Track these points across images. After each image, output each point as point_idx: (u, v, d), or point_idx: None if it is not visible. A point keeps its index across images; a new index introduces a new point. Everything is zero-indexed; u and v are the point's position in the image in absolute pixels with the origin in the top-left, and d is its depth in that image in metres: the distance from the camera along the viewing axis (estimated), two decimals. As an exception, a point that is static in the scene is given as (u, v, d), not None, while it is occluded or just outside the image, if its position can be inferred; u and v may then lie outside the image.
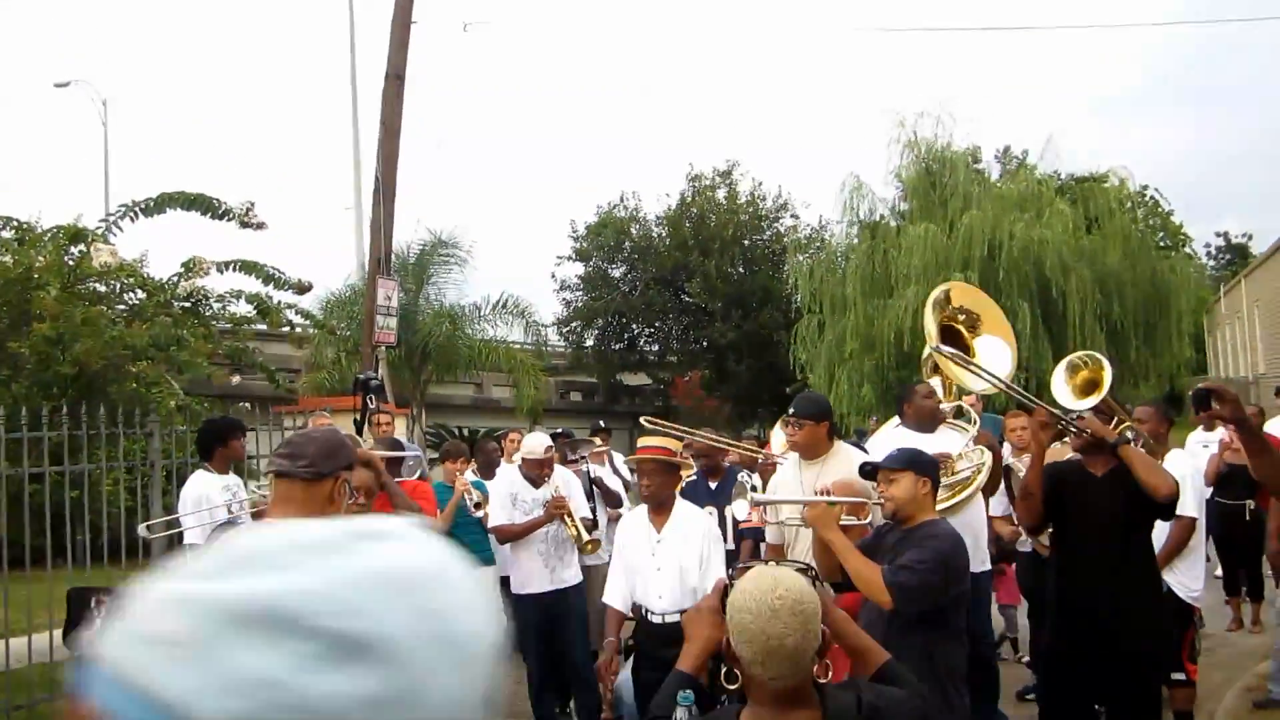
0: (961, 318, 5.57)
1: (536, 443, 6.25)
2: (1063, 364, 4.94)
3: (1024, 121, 71.53)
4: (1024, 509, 4.61)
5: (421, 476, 6.87)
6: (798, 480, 4.90)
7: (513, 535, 6.18)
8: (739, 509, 3.82)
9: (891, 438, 6.01)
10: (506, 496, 6.19)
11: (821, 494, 4.30)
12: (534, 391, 19.84)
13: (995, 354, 5.65)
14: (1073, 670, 4.36)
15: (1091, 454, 4.54)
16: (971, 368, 5.20)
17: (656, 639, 4.84)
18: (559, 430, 9.92)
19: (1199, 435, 9.64)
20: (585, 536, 5.93)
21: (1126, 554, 4.37)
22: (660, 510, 4.96)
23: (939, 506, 4.26)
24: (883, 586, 3.57)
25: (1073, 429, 4.57)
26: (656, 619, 4.84)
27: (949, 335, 5.54)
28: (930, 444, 5.46)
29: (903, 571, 3.59)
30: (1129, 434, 4.95)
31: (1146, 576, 4.48)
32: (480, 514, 6.76)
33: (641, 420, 6.77)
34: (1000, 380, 5.34)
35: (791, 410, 5.18)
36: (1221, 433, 9.98)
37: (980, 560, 5.30)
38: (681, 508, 5.02)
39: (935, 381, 5.87)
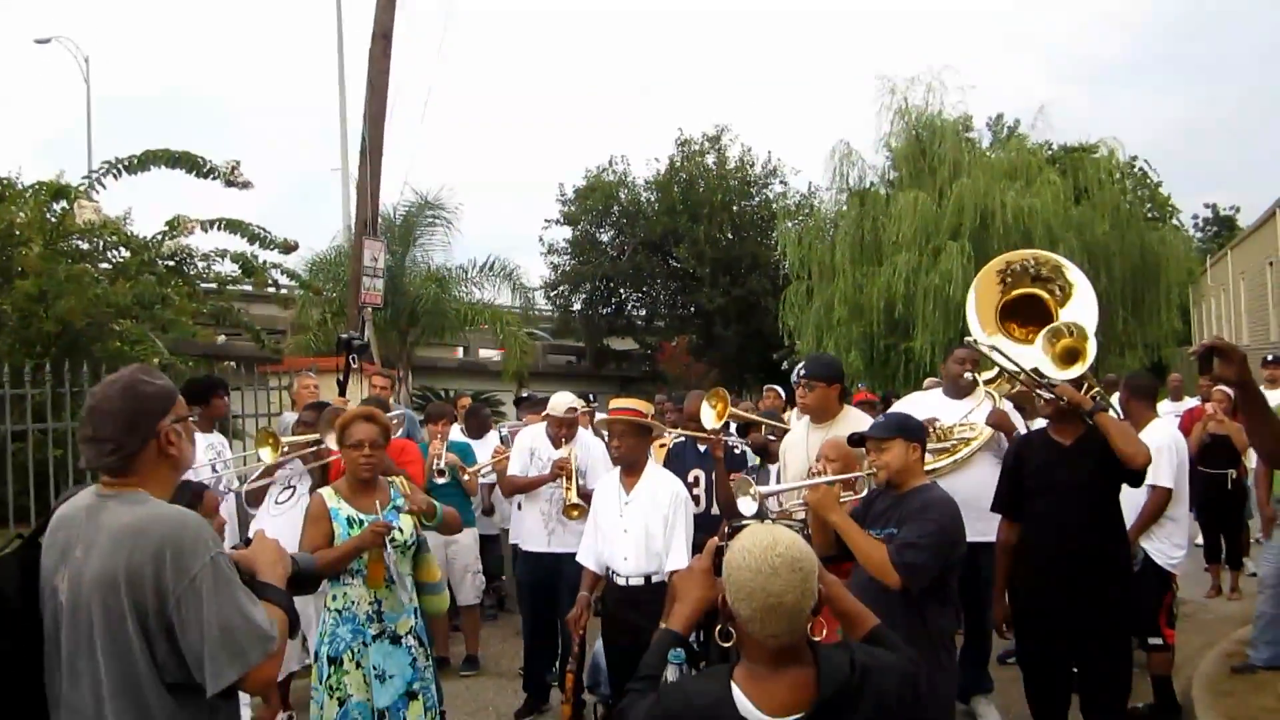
0: (1059, 291, 5.31)
1: (561, 401, 6.29)
2: (1044, 331, 4.87)
3: (1016, 90, 71.41)
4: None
5: (410, 436, 6.84)
6: (806, 444, 4.89)
7: (516, 488, 6.28)
8: (744, 505, 3.80)
9: (921, 401, 6.04)
10: (526, 450, 6.26)
11: (816, 466, 4.30)
12: (521, 355, 19.81)
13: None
14: (1046, 636, 4.42)
15: (1061, 422, 4.57)
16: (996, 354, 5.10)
17: (622, 601, 4.89)
18: (525, 395, 9.97)
19: (1166, 405, 9.72)
20: (573, 500, 5.91)
21: (1095, 521, 4.43)
22: (631, 472, 4.96)
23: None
24: (890, 566, 3.58)
25: (1045, 396, 4.58)
26: (621, 581, 4.87)
27: (1032, 304, 5.30)
28: (922, 409, 5.48)
29: (908, 550, 3.59)
30: (1103, 401, 4.96)
31: (1115, 543, 4.53)
32: (441, 480, 6.77)
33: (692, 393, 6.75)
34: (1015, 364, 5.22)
35: (802, 371, 5.14)
36: (1189, 403, 10.09)
37: (981, 531, 5.28)
38: (652, 471, 5.01)
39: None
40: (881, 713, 2.15)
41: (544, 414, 6.51)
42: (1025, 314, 5.36)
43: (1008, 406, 5.63)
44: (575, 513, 5.91)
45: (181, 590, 2.07)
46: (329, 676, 4.02)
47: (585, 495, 6.04)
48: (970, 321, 5.48)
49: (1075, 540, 4.34)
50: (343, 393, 6.64)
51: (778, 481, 5.47)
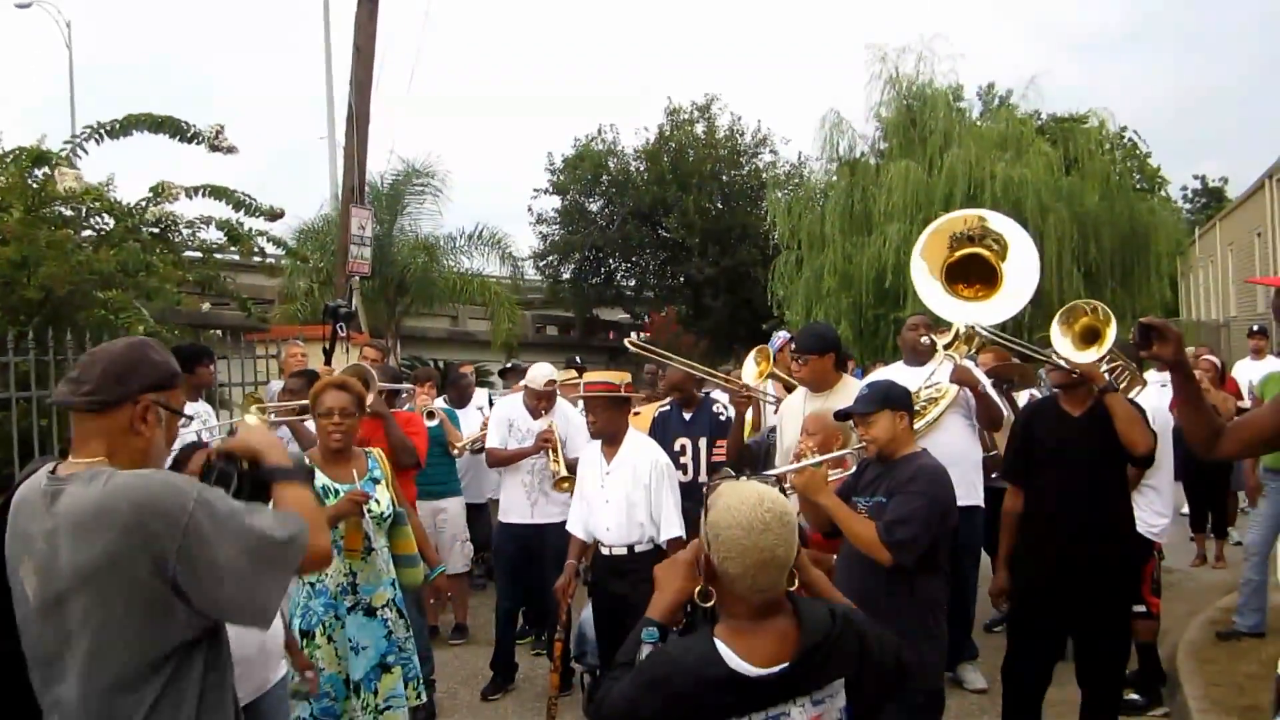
0: (996, 246, 5.44)
1: (539, 374, 6.27)
2: (1063, 310, 4.80)
3: (1007, 60, 71.18)
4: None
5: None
6: (803, 414, 4.86)
7: (500, 460, 6.28)
8: None
9: (886, 374, 6.05)
10: (504, 421, 6.26)
11: (801, 439, 4.29)
12: (509, 325, 19.75)
13: (1021, 287, 5.59)
14: (1043, 606, 4.41)
15: (1070, 391, 4.54)
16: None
17: (606, 570, 4.94)
18: (509, 365, 9.93)
19: (1155, 375, 9.73)
20: (563, 472, 5.91)
21: (1100, 492, 4.40)
22: (611, 443, 4.95)
23: None
24: (880, 545, 3.57)
25: (1058, 365, 4.56)
26: (605, 550, 4.90)
27: (976, 262, 5.40)
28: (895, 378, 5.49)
29: (898, 527, 3.57)
30: (1121, 379, 4.95)
31: (1120, 513, 4.52)
32: (432, 423, 6.78)
33: (626, 342, 6.72)
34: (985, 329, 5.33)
35: (794, 345, 5.11)
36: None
37: (965, 494, 5.22)
38: (632, 441, 4.98)
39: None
40: (864, 661, 2.19)
41: (522, 384, 6.48)
42: (970, 273, 5.52)
43: (969, 365, 5.64)
44: (565, 484, 5.92)
45: (178, 546, 1.93)
46: (301, 649, 3.99)
47: (570, 465, 6.05)
48: (920, 291, 5.71)
49: (1080, 511, 4.32)
50: (329, 361, 6.58)
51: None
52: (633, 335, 6.88)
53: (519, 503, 6.14)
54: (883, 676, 2.24)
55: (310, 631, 4.05)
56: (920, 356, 5.79)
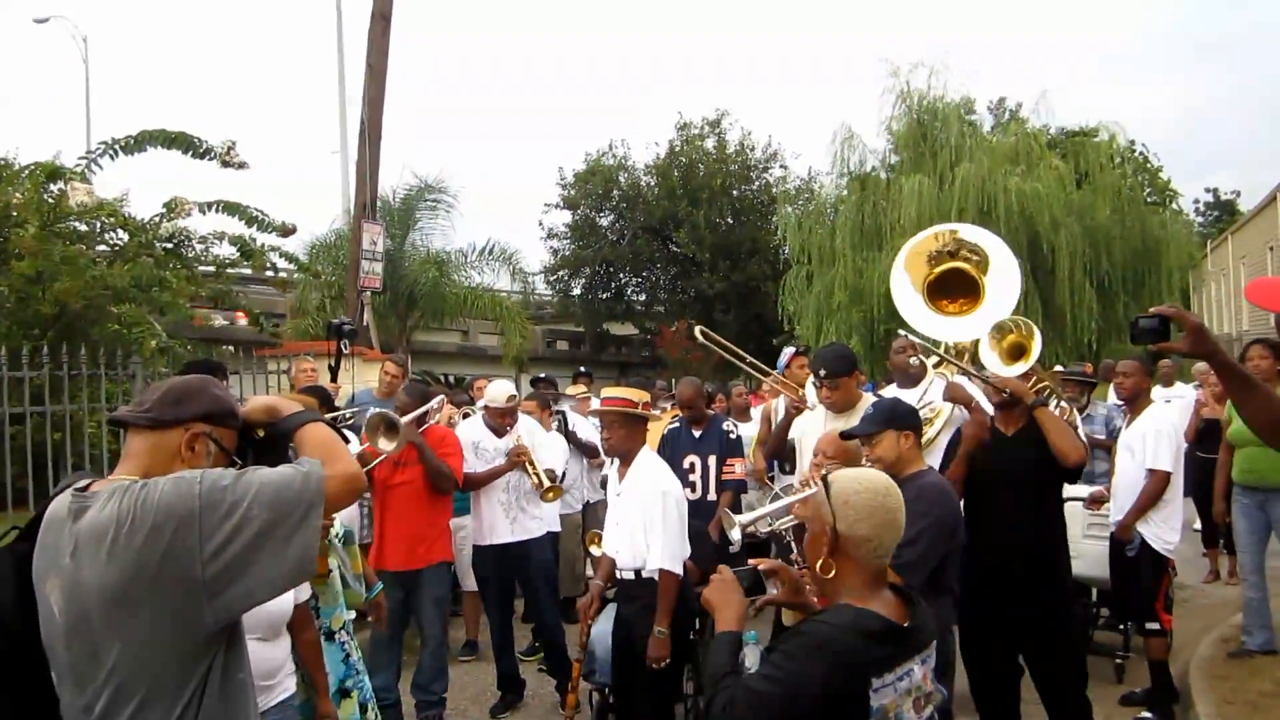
0: (975, 258, 5.38)
1: (499, 391, 6.18)
2: (990, 329, 4.88)
3: (1020, 75, 71.27)
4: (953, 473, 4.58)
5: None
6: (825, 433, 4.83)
7: (475, 484, 6.11)
8: (734, 535, 3.73)
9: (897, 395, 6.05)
10: (469, 445, 6.10)
11: (814, 461, 4.27)
12: (520, 339, 19.76)
13: (1003, 297, 5.51)
14: (990, 625, 4.42)
15: (1004, 411, 4.58)
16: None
17: (620, 593, 4.89)
18: (542, 375, 9.88)
19: (1159, 390, 9.72)
20: (545, 484, 5.88)
21: (1035, 511, 4.45)
22: (624, 462, 4.84)
23: None
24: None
25: (991, 384, 4.59)
26: (619, 573, 4.81)
27: (957, 277, 5.34)
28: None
29: (904, 549, 3.53)
30: (1047, 396, 4.98)
31: (1055, 532, 4.55)
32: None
33: (696, 330, 6.64)
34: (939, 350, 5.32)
35: (822, 371, 5.02)
36: (1180, 388, 10.10)
37: None
38: (641, 462, 4.77)
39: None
40: (937, 634, 2.42)
41: (484, 404, 6.37)
42: (952, 288, 5.43)
43: (962, 382, 5.61)
44: (550, 495, 5.95)
45: (198, 534, 1.93)
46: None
47: (550, 475, 6.07)
48: (904, 313, 5.62)
49: (1012, 530, 4.36)
50: (334, 378, 6.62)
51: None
52: (697, 329, 6.75)
53: (499, 522, 6.04)
54: (944, 652, 2.45)
55: None
56: (912, 378, 5.77)
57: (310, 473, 2.06)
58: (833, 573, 2.32)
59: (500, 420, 6.12)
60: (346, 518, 5.93)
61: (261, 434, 2.26)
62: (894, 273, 5.63)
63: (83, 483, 2.11)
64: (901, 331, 5.60)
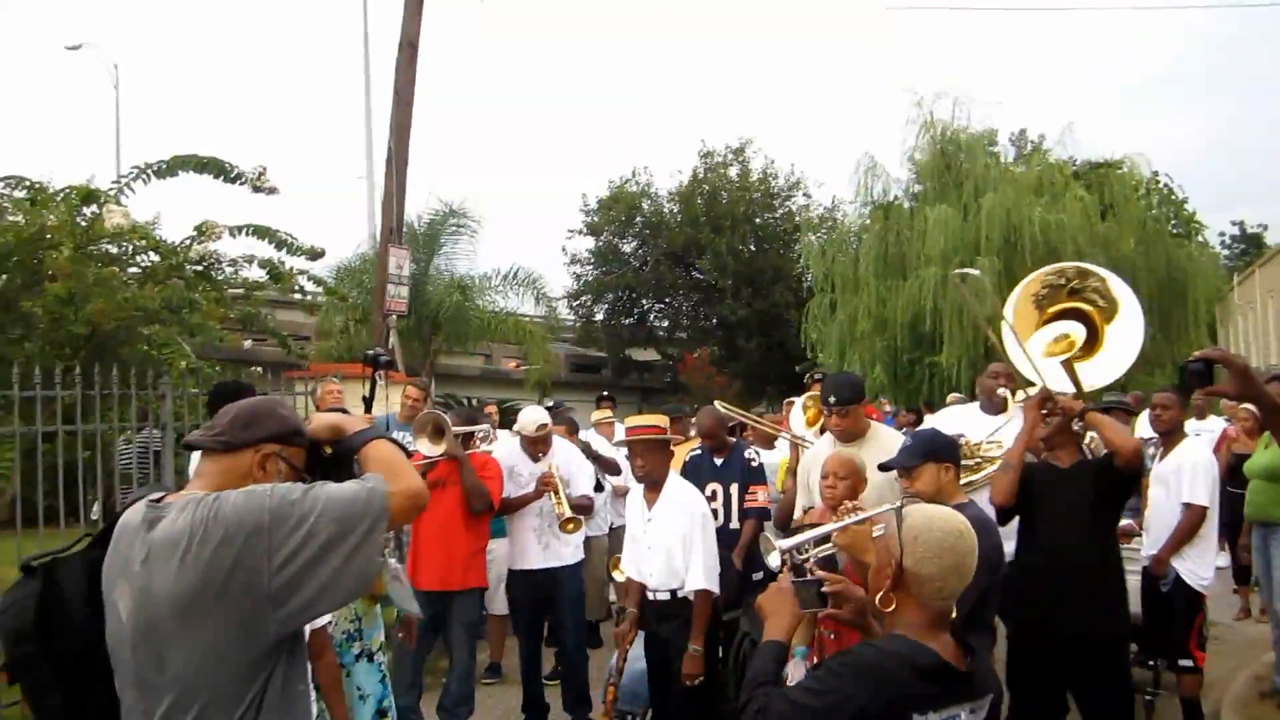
0: (1103, 303, 4.82)
1: (530, 419, 6.18)
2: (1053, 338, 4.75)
3: (1045, 106, 71.25)
4: (1000, 483, 4.50)
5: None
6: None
7: (506, 508, 6.13)
8: (772, 560, 3.70)
9: (952, 415, 5.96)
10: (505, 469, 6.11)
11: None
12: (543, 364, 19.81)
13: (1124, 349, 4.87)
14: (1043, 656, 4.35)
15: (1056, 446, 4.53)
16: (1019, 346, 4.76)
17: (652, 614, 4.93)
18: (553, 403, 9.91)
19: (1192, 424, 9.63)
20: (567, 514, 5.84)
21: (1094, 542, 4.39)
22: (653, 488, 4.95)
23: None
24: None
25: (1047, 417, 4.50)
26: (650, 594, 4.90)
27: (1076, 316, 4.82)
28: (953, 424, 5.41)
29: None
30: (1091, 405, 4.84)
31: (1113, 564, 4.50)
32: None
33: (716, 404, 6.74)
34: (1032, 364, 4.81)
35: (832, 399, 5.01)
36: (1213, 421, 9.98)
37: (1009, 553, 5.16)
38: (673, 487, 4.96)
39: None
40: (996, 689, 2.37)
41: (518, 432, 6.31)
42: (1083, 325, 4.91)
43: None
44: (570, 525, 5.87)
45: (267, 546, 1.98)
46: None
47: (576, 505, 6.01)
48: (1012, 350, 5.02)
49: (1073, 560, 4.31)
50: (369, 409, 6.60)
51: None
52: (719, 405, 6.85)
53: (531, 548, 6.04)
54: (996, 704, 2.39)
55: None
56: (995, 405, 5.70)
57: (375, 488, 2.12)
58: (892, 607, 2.28)
59: (532, 447, 6.11)
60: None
61: (329, 451, 2.34)
62: (1010, 307, 5.07)
63: (157, 495, 2.18)
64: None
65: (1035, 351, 4.64)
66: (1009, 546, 5.22)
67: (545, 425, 6.14)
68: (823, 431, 6.77)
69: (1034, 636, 4.37)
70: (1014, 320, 4.93)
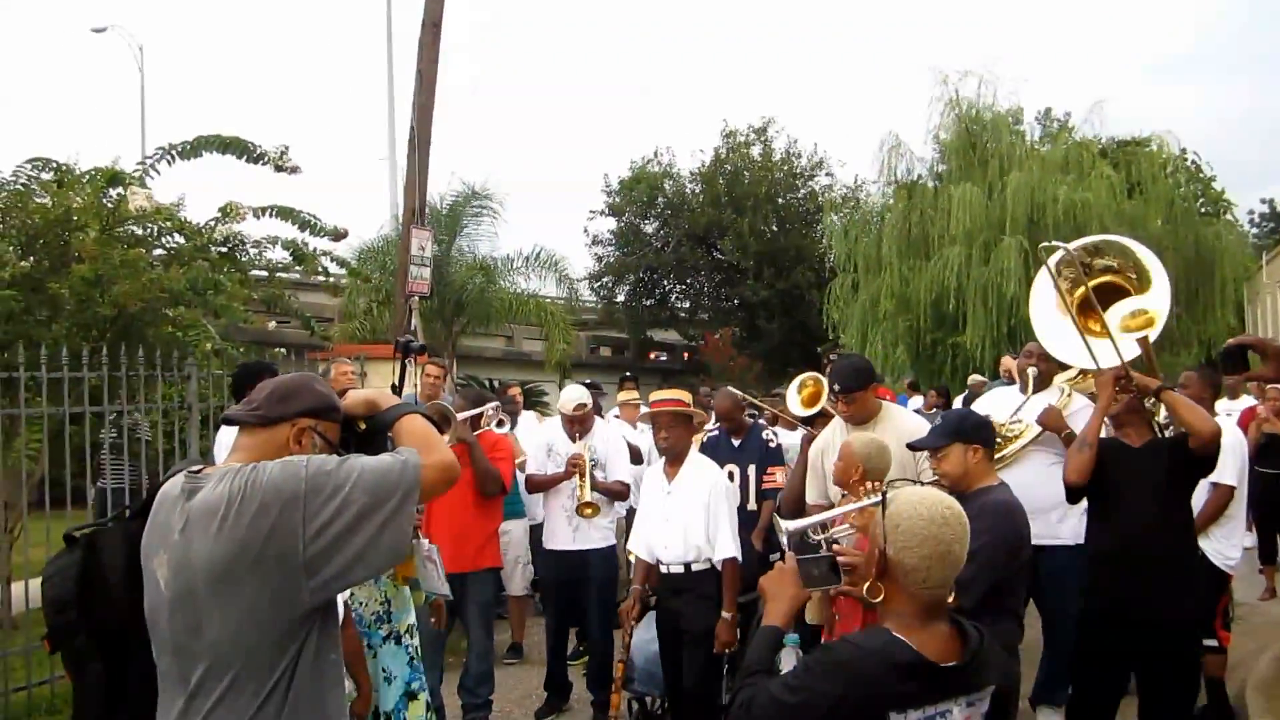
0: (1134, 276, 4.74)
1: (568, 398, 6.19)
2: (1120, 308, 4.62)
3: (1073, 84, 70.26)
4: (1077, 461, 4.38)
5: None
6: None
7: (537, 486, 6.22)
8: (785, 544, 3.69)
9: (996, 396, 5.95)
10: (544, 446, 6.19)
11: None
12: (564, 345, 19.85)
13: (1161, 316, 4.72)
14: (1111, 639, 4.30)
15: (1127, 425, 4.44)
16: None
17: (665, 588, 4.97)
18: (586, 381, 9.91)
19: (1223, 404, 9.52)
20: (586, 498, 5.81)
21: (1168, 522, 4.30)
22: (675, 462, 4.99)
23: None
24: None
25: (1120, 394, 4.42)
26: (664, 568, 4.93)
27: (1110, 291, 4.67)
28: (992, 405, 5.39)
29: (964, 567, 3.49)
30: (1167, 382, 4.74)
31: (1188, 544, 4.42)
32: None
33: (730, 389, 6.82)
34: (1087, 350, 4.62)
35: (836, 386, 5.02)
36: (1245, 401, 9.87)
37: (1053, 534, 5.10)
38: (695, 461, 5.02)
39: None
40: (999, 679, 2.25)
41: (559, 410, 6.35)
42: (1105, 303, 4.71)
43: (1080, 405, 5.36)
44: (588, 510, 5.82)
45: (302, 515, 2.02)
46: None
47: (606, 490, 5.99)
48: (1046, 339, 4.93)
49: (1147, 540, 4.23)
50: (398, 395, 6.59)
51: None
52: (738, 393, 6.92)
53: (561, 529, 6.05)
54: (1007, 693, 2.30)
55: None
56: (1030, 385, 5.62)
57: (408, 461, 2.16)
58: (881, 597, 2.22)
59: (570, 426, 6.10)
60: None
61: (363, 426, 2.40)
62: (1036, 287, 4.98)
63: (196, 467, 2.23)
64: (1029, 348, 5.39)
65: (1113, 325, 4.49)
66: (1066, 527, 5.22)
67: (584, 405, 6.09)
68: (821, 411, 6.80)
69: (1105, 617, 4.31)
70: (1052, 293, 4.79)
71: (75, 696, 2.39)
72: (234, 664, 2.06)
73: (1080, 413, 5.26)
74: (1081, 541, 5.19)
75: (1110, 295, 4.70)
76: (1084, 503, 5.01)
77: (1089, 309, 4.64)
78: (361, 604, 4.03)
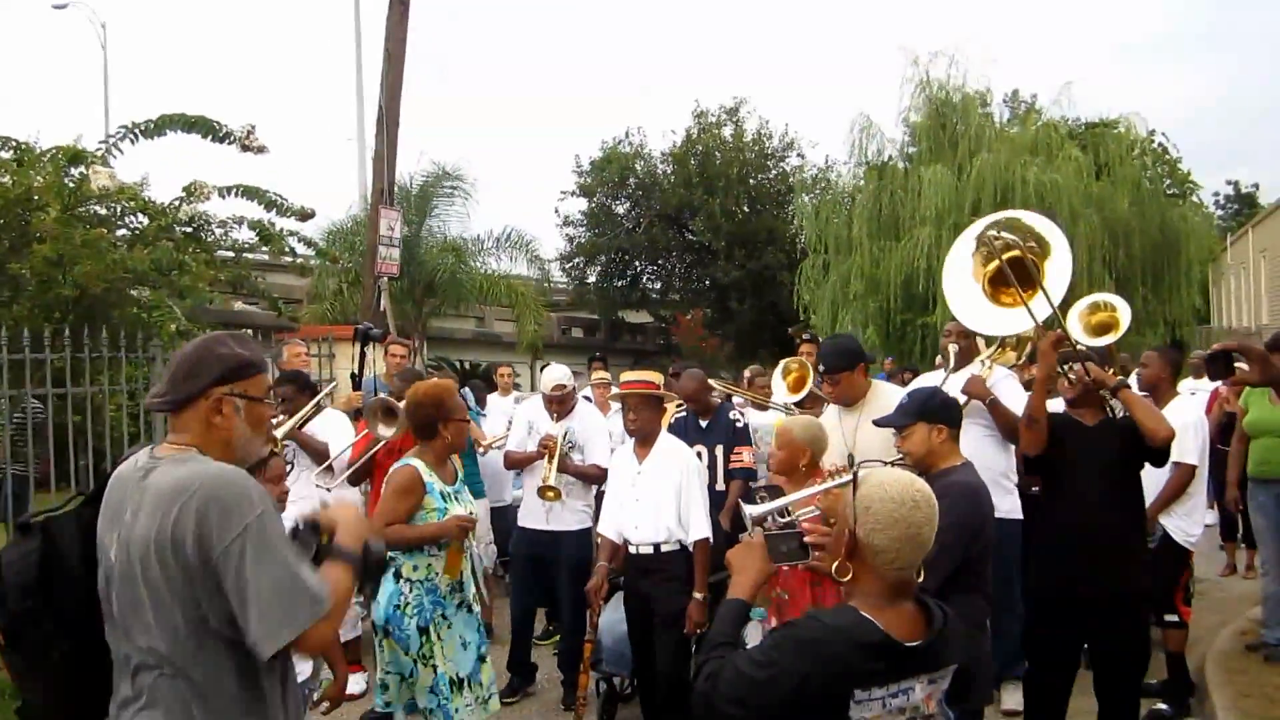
0: (1035, 247, 4.90)
1: (549, 378, 6.19)
2: (1083, 301, 4.82)
3: (1042, 65, 70.63)
4: (1029, 436, 4.46)
5: None
6: (840, 430, 4.83)
7: (513, 462, 6.28)
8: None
9: (923, 378, 6.03)
10: (525, 423, 6.23)
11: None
12: (536, 326, 19.80)
13: (1060, 276, 4.98)
14: (1063, 613, 4.36)
15: (1081, 405, 4.50)
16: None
17: (634, 569, 4.98)
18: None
19: (1189, 383, 9.65)
20: (550, 481, 5.78)
21: (1119, 499, 4.37)
22: (644, 443, 4.99)
23: None
24: None
25: (1070, 377, 4.50)
26: (633, 549, 4.93)
27: (1016, 266, 4.84)
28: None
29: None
30: (1127, 379, 4.87)
31: (1135, 522, 4.49)
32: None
33: (712, 382, 6.80)
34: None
35: (822, 367, 5.04)
36: (1208, 382, 10.00)
37: (1002, 508, 5.06)
38: (665, 442, 5.03)
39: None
40: (961, 658, 2.28)
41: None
42: (1011, 278, 4.90)
43: (1002, 375, 5.54)
44: (550, 494, 5.78)
45: (225, 548, 2.02)
46: (421, 646, 4.02)
47: (578, 473, 5.96)
48: (962, 314, 5.24)
49: (1098, 518, 4.27)
50: (357, 386, 6.53)
51: None
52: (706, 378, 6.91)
53: (535, 509, 6.04)
54: (969, 671, 2.33)
55: (426, 628, 4.07)
56: (955, 362, 5.74)
57: (323, 603, 2.12)
58: (849, 576, 2.24)
59: (549, 406, 6.10)
60: (353, 500, 5.98)
61: (325, 540, 2.34)
62: (948, 268, 5.23)
63: (153, 448, 2.23)
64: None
65: (1074, 326, 4.64)
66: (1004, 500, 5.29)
67: (563, 386, 6.08)
68: (808, 395, 6.83)
69: (1055, 594, 4.37)
70: (960, 280, 5.11)
71: (25, 683, 2.35)
72: (169, 653, 2.08)
73: (1002, 382, 5.48)
74: (1018, 516, 5.38)
75: (1017, 268, 4.84)
76: (1015, 476, 5.31)
77: (1000, 283, 4.92)
78: (437, 574, 4.14)
